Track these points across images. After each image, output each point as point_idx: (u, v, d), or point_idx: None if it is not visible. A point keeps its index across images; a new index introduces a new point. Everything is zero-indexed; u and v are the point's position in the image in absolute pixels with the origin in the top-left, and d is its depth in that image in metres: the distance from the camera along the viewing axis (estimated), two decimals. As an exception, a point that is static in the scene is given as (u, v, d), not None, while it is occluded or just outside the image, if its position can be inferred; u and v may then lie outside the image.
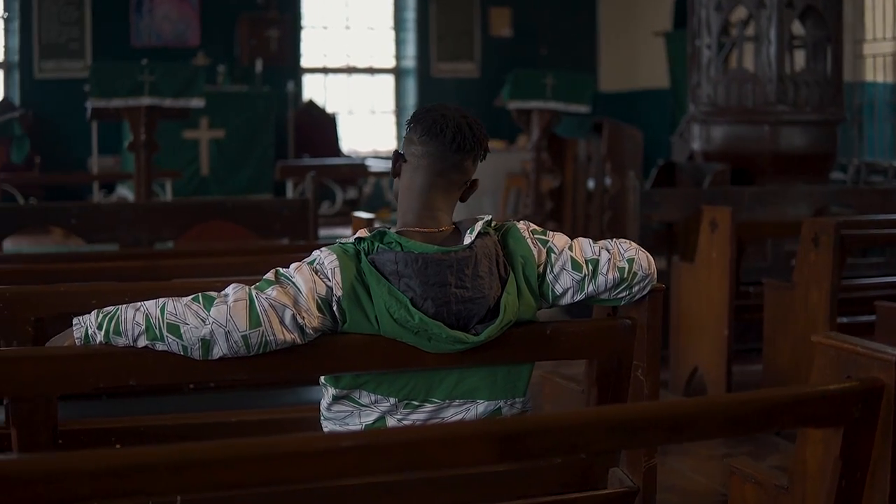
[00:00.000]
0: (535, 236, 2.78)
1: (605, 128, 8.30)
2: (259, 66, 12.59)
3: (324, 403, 2.78)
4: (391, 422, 2.71)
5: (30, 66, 12.49)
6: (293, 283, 2.61)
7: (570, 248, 2.78)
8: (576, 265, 2.76)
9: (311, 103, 13.58)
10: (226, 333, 2.53)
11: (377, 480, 2.55)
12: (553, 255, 2.76)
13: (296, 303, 2.57)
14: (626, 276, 2.78)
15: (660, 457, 2.85)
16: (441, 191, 2.77)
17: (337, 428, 2.75)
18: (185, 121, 8.11)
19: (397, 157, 2.77)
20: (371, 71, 14.37)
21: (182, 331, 2.53)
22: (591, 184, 8.66)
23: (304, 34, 13.88)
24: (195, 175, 11.40)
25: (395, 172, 2.78)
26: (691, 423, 1.88)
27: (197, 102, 7.52)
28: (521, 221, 2.85)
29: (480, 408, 2.75)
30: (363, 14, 14.22)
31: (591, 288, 2.77)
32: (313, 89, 13.99)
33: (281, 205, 6.17)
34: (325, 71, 14.16)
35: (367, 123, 14.48)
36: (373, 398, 2.70)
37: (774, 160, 7.76)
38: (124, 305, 2.61)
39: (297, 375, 3.27)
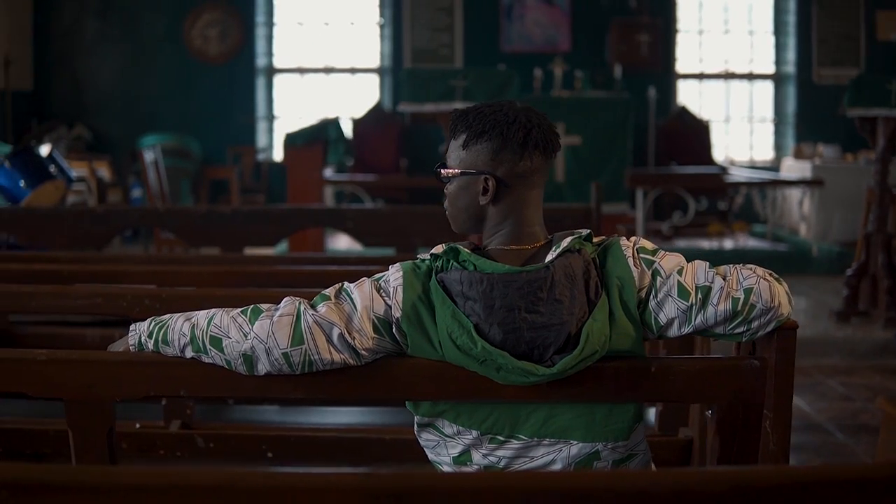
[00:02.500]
0: (641, 255, 2.39)
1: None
2: (618, 71, 12.29)
3: (415, 429, 2.52)
4: (476, 456, 2.44)
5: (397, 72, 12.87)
6: (351, 299, 2.38)
7: (680, 272, 2.37)
8: (682, 292, 2.34)
9: (683, 110, 13.12)
10: (266, 350, 2.34)
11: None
12: (659, 278, 2.36)
13: (349, 321, 2.34)
14: (740, 308, 2.33)
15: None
16: (535, 203, 2.46)
17: (433, 457, 2.52)
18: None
19: (497, 181, 2.41)
20: (750, 77, 13.70)
21: (224, 344, 2.37)
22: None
23: (678, 38, 13.43)
24: (549, 182, 11.22)
25: (493, 200, 2.41)
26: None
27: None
28: (631, 237, 2.45)
29: (574, 449, 2.41)
30: (742, 18, 13.58)
31: (699, 320, 2.35)
32: (686, 95, 13.53)
33: (562, 212, 5.89)
34: (700, 77, 13.64)
35: (745, 132, 13.82)
36: (455, 429, 2.43)
37: None
38: (178, 314, 2.48)
39: (356, 398, 3.01)
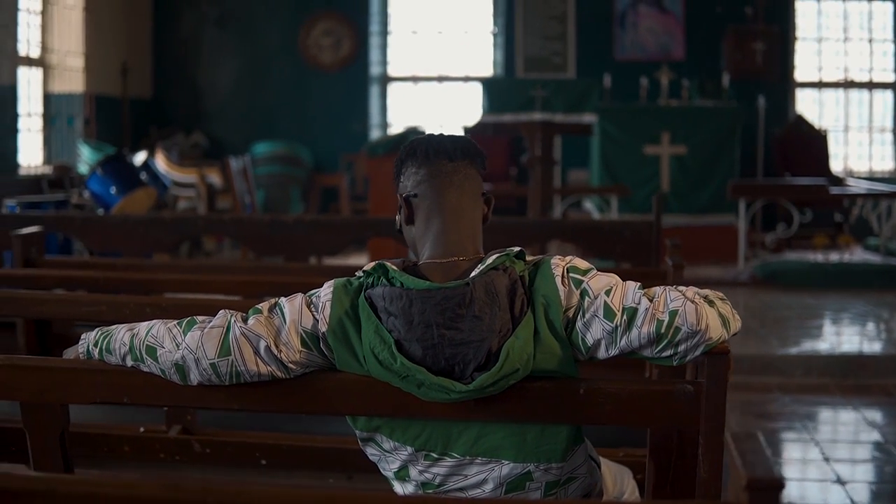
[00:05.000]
0: (570, 275, 2.37)
1: None
2: (726, 80, 12.07)
3: (359, 444, 2.56)
4: (413, 472, 2.48)
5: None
6: (282, 313, 2.43)
7: (608, 293, 2.33)
8: (608, 313, 2.31)
9: (799, 119, 12.84)
10: (196, 360, 2.41)
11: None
12: (587, 298, 2.34)
13: (277, 334, 2.39)
14: (664, 331, 2.29)
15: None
16: (453, 210, 2.46)
17: (382, 472, 2.58)
18: (588, 136, 7.89)
19: (404, 200, 2.51)
20: (869, 86, 13.34)
21: (158, 354, 2.45)
22: None
23: (796, 46, 13.16)
24: (654, 192, 11.13)
25: (408, 218, 2.51)
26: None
27: (589, 118, 7.32)
28: (565, 257, 2.42)
29: (505, 469, 2.41)
30: (861, 26, 13.23)
31: (624, 342, 2.32)
32: (804, 104, 13.25)
33: (622, 226, 5.83)
34: (818, 85, 13.33)
35: (864, 141, 13.46)
36: (392, 444, 2.47)
37: None
38: (123, 325, 2.56)
39: (289, 410, 3.04)
